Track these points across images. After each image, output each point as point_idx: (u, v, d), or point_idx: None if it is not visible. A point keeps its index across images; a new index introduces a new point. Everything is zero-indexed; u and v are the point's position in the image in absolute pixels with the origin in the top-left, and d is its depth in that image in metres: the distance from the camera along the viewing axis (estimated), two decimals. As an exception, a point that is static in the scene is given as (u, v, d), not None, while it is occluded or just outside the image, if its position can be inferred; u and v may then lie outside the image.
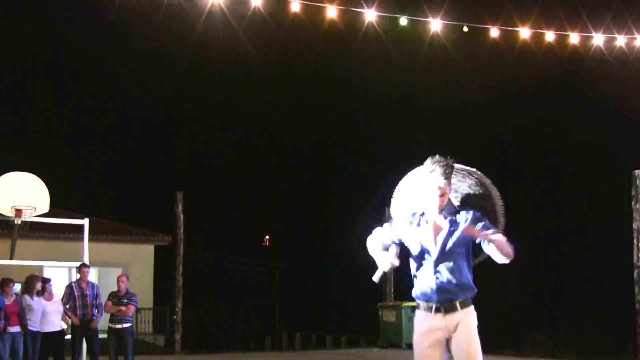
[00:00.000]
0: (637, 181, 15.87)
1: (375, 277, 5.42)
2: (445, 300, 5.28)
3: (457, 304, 5.26)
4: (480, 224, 5.31)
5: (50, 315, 12.93)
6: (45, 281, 13.17)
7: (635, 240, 15.75)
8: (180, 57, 41.25)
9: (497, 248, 5.17)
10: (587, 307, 29.46)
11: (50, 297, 13.04)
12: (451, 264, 5.32)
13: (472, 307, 5.36)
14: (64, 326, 13.31)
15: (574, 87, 34.17)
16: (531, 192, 39.96)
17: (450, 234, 5.37)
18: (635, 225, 15.79)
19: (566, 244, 36.10)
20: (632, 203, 15.91)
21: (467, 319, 5.29)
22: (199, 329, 30.70)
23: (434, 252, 5.38)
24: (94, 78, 55.82)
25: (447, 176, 5.32)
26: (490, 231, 5.23)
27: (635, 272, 15.68)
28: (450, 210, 5.43)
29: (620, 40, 17.59)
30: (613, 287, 25.63)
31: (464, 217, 5.38)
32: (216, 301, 41.56)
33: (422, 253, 5.41)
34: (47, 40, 50.57)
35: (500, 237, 5.22)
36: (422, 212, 5.49)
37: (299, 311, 41.53)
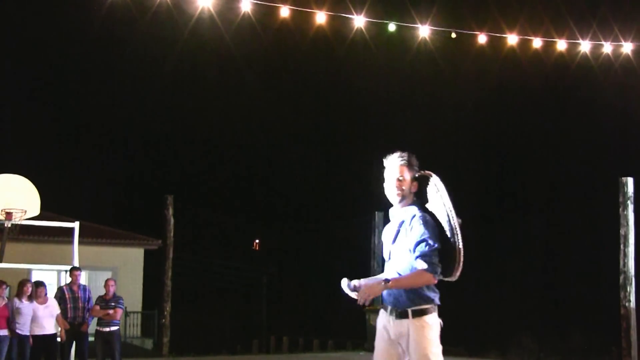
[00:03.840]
0: (625, 188, 15.96)
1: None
2: (394, 305, 5.22)
3: (409, 312, 5.13)
4: (411, 245, 5.15)
5: (41, 319, 12.94)
6: (39, 285, 13.19)
7: (622, 246, 15.83)
8: (170, 62, 41.26)
9: (405, 288, 5.10)
10: (572, 311, 29.62)
11: (44, 301, 13.07)
12: (399, 267, 5.26)
13: (427, 318, 5.15)
14: (57, 329, 13.33)
15: (561, 93, 34.35)
16: (518, 197, 40.13)
17: (397, 233, 5.34)
18: (622, 231, 15.87)
19: (552, 249, 36.23)
20: (620, 209, 16.00)
21: (416, 331, 5.11)
22: (187, 332, 30.72)
23: (386, 252, 5.42)
24: (84, 81, 55.81)
25: (405, 163, 5.32)
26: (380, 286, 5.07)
27: (621, 277, 15.78)
28: (411, 211, 5.31)
29: (607, 48, 17.72)
30: (598, 292, 25.79)
31: (409, 219, 5.26)
32: (204, 304, 41.56)
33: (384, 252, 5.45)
34: (37, 44, 50.52)
35: (402, 281, 5.09)
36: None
37: (287, 315, 41.54)
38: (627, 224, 15.85)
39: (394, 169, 5.35)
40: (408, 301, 5.13)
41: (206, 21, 15.60)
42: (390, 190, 5.36)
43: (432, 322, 5.15)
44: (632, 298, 15.65)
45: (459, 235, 5.17)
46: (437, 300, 5.22)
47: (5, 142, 44.19)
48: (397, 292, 5.18)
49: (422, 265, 5.07)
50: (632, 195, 15.96)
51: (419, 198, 5.42)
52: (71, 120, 53.72)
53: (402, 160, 5.35)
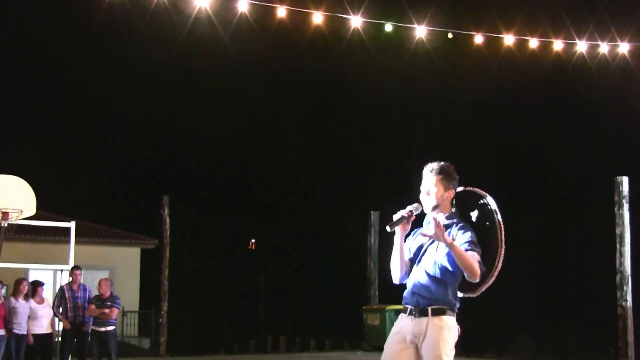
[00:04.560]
0: (620, 187, 16.01)
1: (389, 226, 5.37)
2: (415, 305, 5.27)
3: (429, 310, 5.20)
4: (462, 242, 5.16)
5: (40, 318, 13.01)
6: (38, 284, 13.25)
7: (618, 246, 15.88)
8: (167, 62, 41.26)
9: (456, 258, 5.05)
10: (569, 310, 29.63)
11: (41, 301, 13.12)
12: (429, 269, 5.29)
13: (446, 318, 5.22)
14: (52, 329, 13.37)
15: (557, 93, 34.34)
16: (514, 196, 40.13)
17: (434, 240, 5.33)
18: (618, 231, 15.92)
19: (549, 248, 36.26)
20: (615, 209, 16.04)
21: (434, 329, 5.18)
22: (184, 332, 30.72)
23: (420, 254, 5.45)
24: (81, 82, 55.75)
25: (436, 173, 5.41)
26: (452, 238, 5.11)
27: (618, 276, 15.83)
28: (450, 219, 5.40)
29: (603, 48, 17.75)
30: (595, 292, 25.81)
31: (454, 232, 5.28)
32: (201, 304, 41.58)
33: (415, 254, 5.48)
34: (35, 43, 50.51)
35: (461, 250, 5.07)
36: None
37: (284, 314, 41.56)
38: (623, 223, 15.91)
39: (426, 179, 5.48)
40: (430, 301, 5.23)
41: (203, 22, 15.61)
42: (421, 200, 5.46)
43: (451, 324, 5.24)
44: (629, 297, 15.71)
45: (501, 257, 5.35)
46: (457, 307, 5.34)
47: (3, 142, 44.20)
48: (422, 291, 5.27)
49: (477, 257, 5.14)
50: (628, 194, 16.02)
51: (460, 206, 5.53)
52: (68, 120, 53.73)
53: (433, 170, 5.45)
